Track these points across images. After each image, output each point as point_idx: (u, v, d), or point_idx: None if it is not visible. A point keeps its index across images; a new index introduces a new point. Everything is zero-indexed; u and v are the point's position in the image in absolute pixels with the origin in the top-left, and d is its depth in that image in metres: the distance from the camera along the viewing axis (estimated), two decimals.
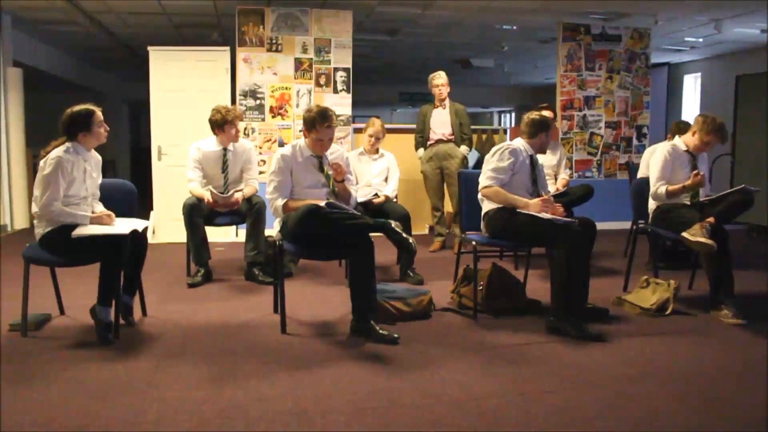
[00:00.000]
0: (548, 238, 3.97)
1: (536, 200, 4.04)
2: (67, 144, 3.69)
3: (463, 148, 6.38)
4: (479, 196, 4.22)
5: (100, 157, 3.97)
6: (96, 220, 3.70)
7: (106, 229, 3.65)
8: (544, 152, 4.43)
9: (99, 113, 3.80)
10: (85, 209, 3.74)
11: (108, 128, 3.88)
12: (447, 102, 6.46)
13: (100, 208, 3.86)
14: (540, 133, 4.25)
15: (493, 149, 4.23)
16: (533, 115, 4.30)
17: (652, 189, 4.56)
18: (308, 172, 4.08)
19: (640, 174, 5.73)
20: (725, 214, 4.19)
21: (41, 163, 3.60)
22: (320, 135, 4.00)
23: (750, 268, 5.64)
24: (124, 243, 3.61)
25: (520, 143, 4.27)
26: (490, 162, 4.18)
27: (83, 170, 3.74)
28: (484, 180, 4.16)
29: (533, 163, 4.26)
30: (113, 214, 3.80)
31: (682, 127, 5.67)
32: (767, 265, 5.95)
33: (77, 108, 3.75)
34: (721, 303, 4.11)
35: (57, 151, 3.62)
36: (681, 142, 4.63)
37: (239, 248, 5.49)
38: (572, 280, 3.80)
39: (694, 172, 4.41)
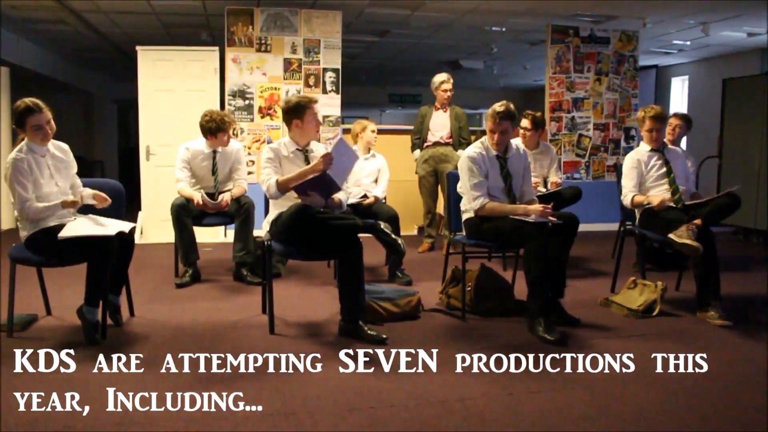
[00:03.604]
0: (512, 244, 4.04)
1: (536, 207, 3.95)
2: (23, 143, 3.62)
3: (461, 152, 6.34)
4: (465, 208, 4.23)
5: (65, 146, 3.85)
6: (67, 205, 3.61)
7: (92, 230, 3.60)
8: (497, 146, 4.12)
9: (39, 115, 3.56)
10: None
11: (53, 128, 3.63)
12: (448, 105, 6.45)
13: (87, 191, 3.83)
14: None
15: (459, 166, 4.21)
16: None
17: (622, 197, 4.68)
18: (295, 167, 4.06)
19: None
20: (712, 216, 4.22)
21: (5, 168, 3.57)
22: (313, 110, 4.05)
23: (736, 270, 5.68)
24: (111, 244, 3.57)
25: (479, 146, 4.18)
26: (465, 180, 4.11)
27: (45, 167, 3.66)
28: (471, 202, 4.07)
29: (503, 162, 4.16)
30: (78, 201, 3.68)
31: (681, 117, 5.68)
32: (753, 267, 6.00)
33: (19, 102, 3.59)
34: (707, 304, 4.14)
35: (12, 154, 3.57)
36: (642, 143, 4.74)
37: (228, 249, 5.48)
38: (535, 279, 3.78)
39: (660, 198, 4.41)
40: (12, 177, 3.52)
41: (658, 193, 4.52)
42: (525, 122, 5.45)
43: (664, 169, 4.57)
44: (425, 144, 6.45)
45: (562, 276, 4.03)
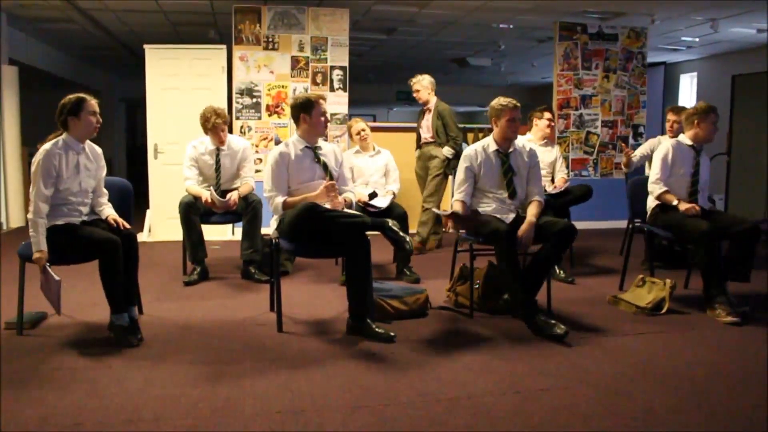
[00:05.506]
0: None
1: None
2: (59, 137, 3.62)
3: (446, 150, 6.30)
4: None
5: (99, 150, 3.88)
6: (39, 261, 3.46)
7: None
8: (503, 140, 4.20)
9: (92, 102, 3.68)
10: (81, 208, 3.70)
11: (100, 120, 3.76)
12: (431, 104, 6.37)
13: (109, 210, 3.82)
14: (492, 119, 4.22)
15: None
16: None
17: (650, 181, 4.54)
18: (305, 166, 4.05)
19: (641, 151, 5.83)
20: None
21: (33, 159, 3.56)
22: (321, 106, 4.04)
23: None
24: (117, 248, 3.52)
25: (480, 143, 4.25)
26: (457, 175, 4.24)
27: (75, 163, 3.65)
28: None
29: (504, 158, 4.16)
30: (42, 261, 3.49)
31: (678, 111, 5.57)
32: (763, 265, 5.95)
33: (69, 97, 3.67)
34: (714, 301, 4.11)
35: (47, 145, 3.55)
36: (685, 137, 4.60)
37: (235, 246, 5.49)
38: (506, 279, 3.90)
39: (688, 206, 4.35)
40: (38, 169, 3.49)
41: (683, 197, 4.47)
42: (549, 114, 5.57)
43: (692, 170, 4.48)
44: (420, 143, 6.55)
45: (539, 279, 3.93)
